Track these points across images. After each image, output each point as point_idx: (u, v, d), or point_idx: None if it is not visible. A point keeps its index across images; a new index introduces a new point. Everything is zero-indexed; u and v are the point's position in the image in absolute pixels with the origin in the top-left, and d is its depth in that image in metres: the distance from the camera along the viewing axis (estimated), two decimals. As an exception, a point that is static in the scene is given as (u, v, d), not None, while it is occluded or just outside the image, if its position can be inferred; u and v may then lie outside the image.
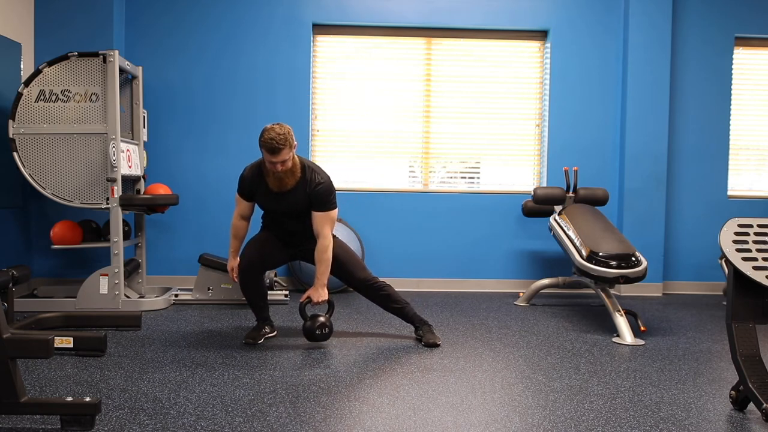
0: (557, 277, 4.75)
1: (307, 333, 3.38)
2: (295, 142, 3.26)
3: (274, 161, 3.20)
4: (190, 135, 5.24)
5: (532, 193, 4.73)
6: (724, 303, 3.55)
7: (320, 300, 3.38)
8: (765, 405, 2.25)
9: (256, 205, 3.53)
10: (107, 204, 4.20)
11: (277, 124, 3.24)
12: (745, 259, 2.40)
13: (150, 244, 5.15)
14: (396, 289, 3.64)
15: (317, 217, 3.35)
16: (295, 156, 3.33)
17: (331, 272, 3.47)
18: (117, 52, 4.20)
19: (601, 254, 3.86)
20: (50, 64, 4.20)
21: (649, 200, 5.31)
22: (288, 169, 3.26)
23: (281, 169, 3.23)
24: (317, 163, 3.54)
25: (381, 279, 3.58)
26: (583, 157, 5.38)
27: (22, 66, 4.63)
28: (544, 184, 5.47)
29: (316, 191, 3.32)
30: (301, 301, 3.43)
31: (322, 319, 3.38)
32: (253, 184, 3.42)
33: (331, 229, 3.39)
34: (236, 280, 3.54)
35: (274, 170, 3.24)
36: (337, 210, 3.43)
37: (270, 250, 3.52)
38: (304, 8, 5.26)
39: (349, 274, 3.51)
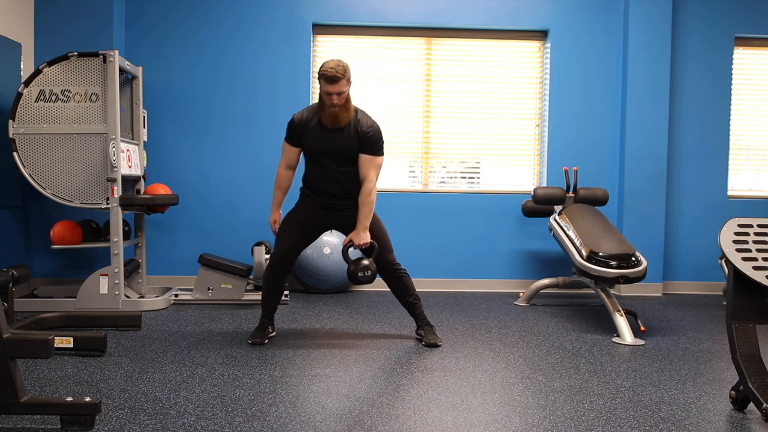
0: (557, 277, 4.75)
1: (351, 276, 3.37)
2: (352, 80, 3.31)
3: (331, 91, 3.22)
4: (190, 135, 5.24)
5: (532, 193, 4.73)
6: (724, 303, 3.55)
7: (362, 243, 3.36)
8: (765, 405, 2.25)
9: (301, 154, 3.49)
10: (107, 204, 4.20)
11: (336, 58, 3.31)
12: (745, 259, 2.40)
13: (150, 244, 5.15)
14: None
15: (365, 159, 3.35)
16: (350, 96, 3.35)
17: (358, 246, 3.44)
18: (117, 52, 4.20)
19: (601, 254, 3.86)
20: (50, 64, 4.20)
21: (649, 200, 5.32)
22: (342, 104, 3.28)
23: (337, 101, 3.25)
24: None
25: (404, 268, 3.58)
26: (583, 157, 5.38)
27: (22, 66, 4.63)
28: (544, 184, 5.47)
29: (367, 133, 3.33)
30: (343, 244, 3.42)
31: (365, 261, 3.36)
32: (303, 126, 3.39)
33: (376, 175, 3.39)
34: (276, 233, 3.53)
35: (330, 102, 3.26)
36: (383, 159, 3.44)
37: (302, 232, 3.48)
38: (305, 8, 5.26)
39: (379, 253, 3.48)
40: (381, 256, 3.49)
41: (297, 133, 3.42)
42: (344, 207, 3.45)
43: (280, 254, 3.45)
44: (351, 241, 3.38)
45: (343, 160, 3.38)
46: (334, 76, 3.21)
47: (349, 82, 3.27)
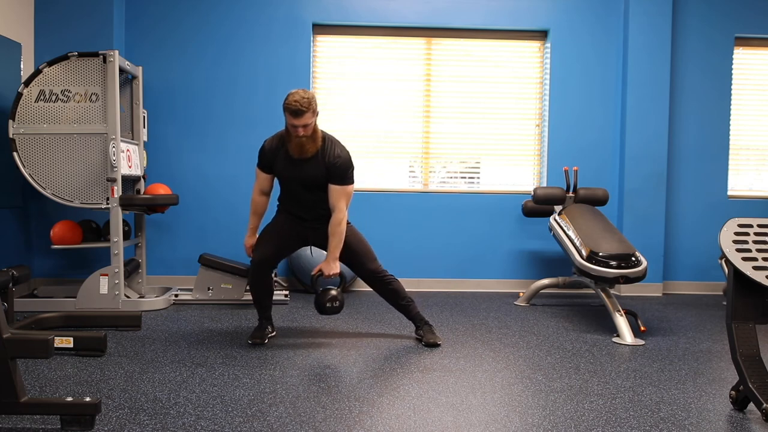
0: (557, 277, 4.75)
1: (317, 306, 3.37)
2: (318, 110, 3.28)
3: (296, 124, 3.20)
4: (190, 135, 5.24)
5: (532, 193, 4.73)
6: (724, 303, 3.55)
7: (332, 273, 3.36)
8: (765, 405, 2.25)
9: (275, 181, 3.51)
10: (107, 204, 4.20)
11: (302, 89, 3.27)
12: (745, 259, 2.40)
13: (150, 244, 5.15)
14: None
15: (334, 190, 3.34)
16: (317, 126, 3.33)
17: (343, 260, 3.47)
18: (117, 52, 4.20)
19: (601, 254, 3.86)
20: (50, 64, 4.20)
21: (649, 200, 5.31)
22: (309, 135, 3.26)
23: (303, 133, 3.23)
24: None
25: (391, 274, 3.58)
26: (583, 157, 5.38)
27: (22, 66, 4.63)
28: (544, 184, 5.47)
29: (335, 164, 3.31)
30: (312, 274, 3.42)
31: (333, 292, 3.37)
32: (273, 153, 3.40)
33: (346, 204, 3.38)
34: (252, 256, 3.55)
35: (296, 134, 3.24)
36: (353, 186, 3.43)
37: (283, 239, 3.50)
38: (305, 8, 5.26)
39: (360, 264, 3.50)
40: (366, 267, 3.50)
41: (268, 160, 3.44)
42: (319, 226, 3.47)
43: (258, 260, 3.45)
44: (321, 271, 3.38)
45: (313, 188, 3.39)
46: (297, 110, 3.16)
47: (314, 113, 3.23)
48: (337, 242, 3.35)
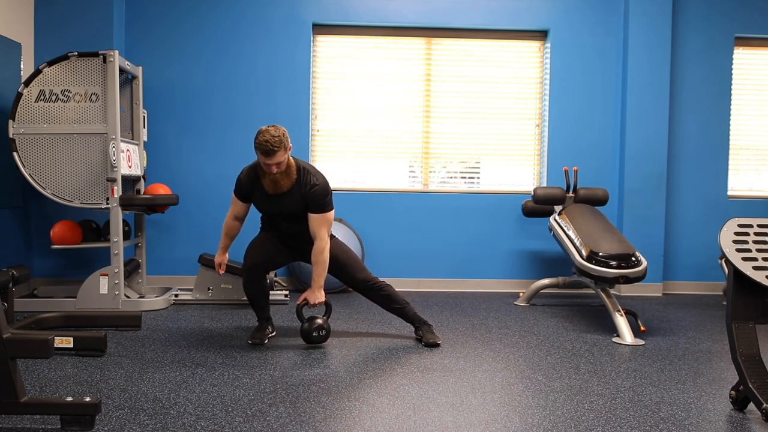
0: (557, 277, 4.75)
1: (304, 335, 3.38)
2: (290, 144, 3.25)
3: (268, 163, 3.20)
4: (189, 135, 5.24)
5: (532, 193, 4.73)
6: (724, 303, 3.54)
7: (317, 302, 3.38)
8: (765, 405, 2.25)
9: (252, 207, 3.54)
10: (107, 204, 4.20)
11: (273, 126, 3.23)
12: (745, 259, 2.40)
13: (150, 244, 5.15)
14: (396, 289, 3.64)
15: (313, 219, 3.34)
16: (291, 158, 3.32)
17: (332, 273, 3.48)
18: (117, 52, 4.20)
19: (601, 254, 3.86)
20: (50, 64, 4.20)
21: (649, 200, 5.31)
22: (283, 171, 3.26)
23: (276, 171, 3.24)
24: (317, 164, 3.55)
25: (381, 279, 3.58)
26: (583, 157, 5.38)
27: (22, 66, 4.63)
28: (544, 184, 5.47)
29: (312, 193, 3.31)
30: (298, 303, 3.44)
31: (319, 321, 3.38)
32: (250, 186, 3.42)
33: (327, 231, 3.39)
34: (221, 273, 3.64)
35: (269, 172, 3.25)
36: (333, 212, 3.43)
37: (273, 250, 3.54)
38: (304, 8, 5.26)
39: (350, 276, 3.51)
40: (356, 277, 3.50)
41: (245, 191, 3.45)
42: (304, 248, 3.47)
43: (251, 265, 3.46)
44: (306, 299, 3.39)
45: (293, 219, 3.40)
46: (268, 150, 3.14)
47: (286, 149, 3.20)
48: (320, 270, 3.36)
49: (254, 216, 3.64)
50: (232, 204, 3.53)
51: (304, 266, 4.92)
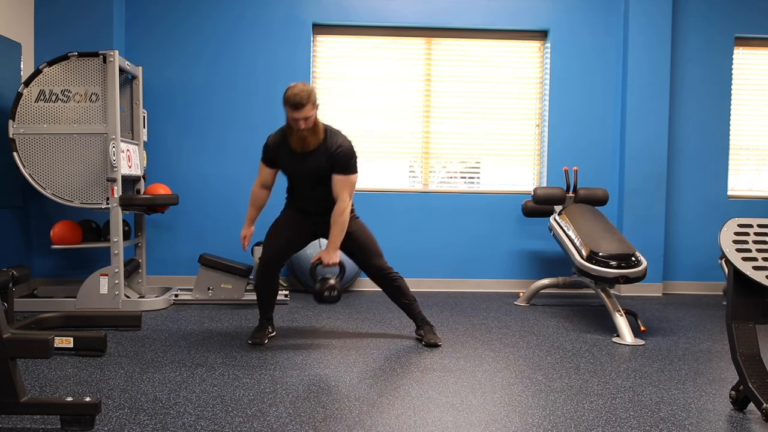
0: (557, 277, 4.75)
1: (316, 295, 3.36)
2: (319, 102, 3.27)
3: (297, 117, 3.19)
4: (189, 135, 5.24)
5: (532, 193, 4.73)
6: (724, 303, 3.55)
7: (331, 262, 3.34)
8: (765, 405, 2.25)
9: (278, 174, 3.51)
10: (107, 204, 4.20)
11: (301, 82, 3.26)
12: (745, 259, 2.40)
13: (150, 244, 5.15)
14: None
15: (337, 180, 3.34)
16: (318, 119, 3.33)
17: (349, 255, 3.48)
18: (117, 52, 4.20)
19: (601, 254, 3.86)
20: (50, 64, 4.20)
21: (649, 200, 5.31)
22: (310, 128, 3.26)
23: (304, 126, 3.23)
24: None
25: (396, 271, 3.58)
26: (583, 157, 5.38)
27: (22, 66, 4.63)
28: (544, 184, 5.47)
29: (337, 153, 3.31)
30: (312, 262, 3.41)
31: (332, 281, 3.35)
32: (276, 148, 3.40)
33: (349, 195, 3.37)
34: (246, 246, 3.56)
35: (297, 127, 3.23)
36: (356, 176, 3.42)
37: (291, 236, 3.49)
38: (304, 8, 5.26)
39: (367, 259, 3.50)
40: (371, 262, 3.50)
41: (271, 155, 3.44)
42: (325, 219, 3.45)
43: (268, 257, 3.46)
44: (320, 259, 3.37)
45: (317, 180, 3.39)
46: (297, 103, 3.16)
47: (314, 106, 3.22)
48: (338, 231, 3.34)
49: (273, 205, 3.60)
50: (260, 172, 3.52)
51: (305, 267, 4.92)
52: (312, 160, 3.33)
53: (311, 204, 3.47)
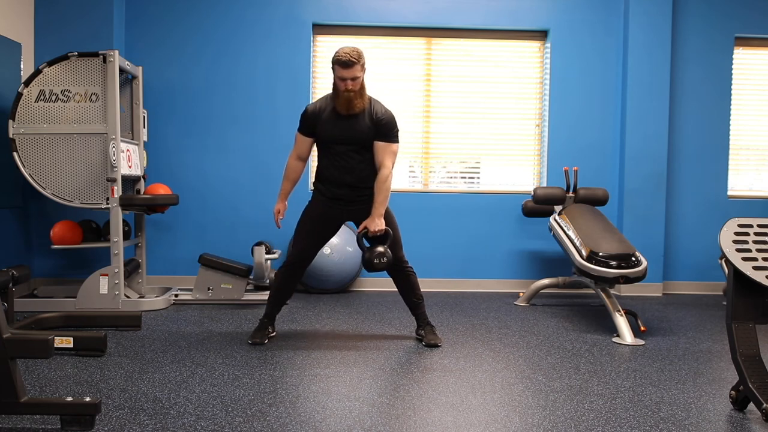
0: (557, 277, 4.75)
1: (366, 264, 3.34)
2: (366, 67, 3.32)
3: (345, 76, 3.23)
4: (190, 135, 5.25)
5: (532, 193, 4.73)
6: (724, 303, 3.55)
7: (377, 230, 3.34)
8: (765, 405, 2.25)
9: (313, 146, 3.50)
10: (107, 204, 4.20)
11: (351, 45, 3.32)
12: (745, 259, 2.40)
13: (150, 244, 5.15)
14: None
15: (379, 147, 3.35)
16: (365, 83, 3.35)
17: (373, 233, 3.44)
18: (117, 52, 4.20)
19: (601, 254, 3.86)
20: (50, 64, 4.20)
21: (649, 200, 5.32)
22: (357, 90, 3.28)
23: (351, 86, 3.25)
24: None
25: (411, 266, 3.59)
26: (583, 157, 5.39)
27: (22, 66, 4.63)
28: (544, 184, 5.47)
29: (382, 120, 3.34)
30: (358, 231, 3.40)
31: (380, 249, 3.33)
32: (317, 115, 3.39)
33: (392, 162, 3.38)
34: (279, 225, 3.53)
35: (345, 88, 3.26)
36: (398, 146, 3.43)
37: (319, 232, 3.47)
38: (304, 8, 5.26)
39: (389, 248, 3.47)
40: (393, 253, 3.48)
41: (310, 123, 3.42)
42: (358, 199, 3.43)
43: (297, 254, 3.45)
44: (366, 228, 3.36)
45: (358, 147, 3.38)
46: (348, 61, 3.21)
47: (363, 68, 3.28)
48: (382, 198, 3.35)
49: (296, 201, 3.59)
50: (296, 143, 3.50)
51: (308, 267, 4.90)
52: (356, 124, 3.34)
53: (345, 178, 3.40)
